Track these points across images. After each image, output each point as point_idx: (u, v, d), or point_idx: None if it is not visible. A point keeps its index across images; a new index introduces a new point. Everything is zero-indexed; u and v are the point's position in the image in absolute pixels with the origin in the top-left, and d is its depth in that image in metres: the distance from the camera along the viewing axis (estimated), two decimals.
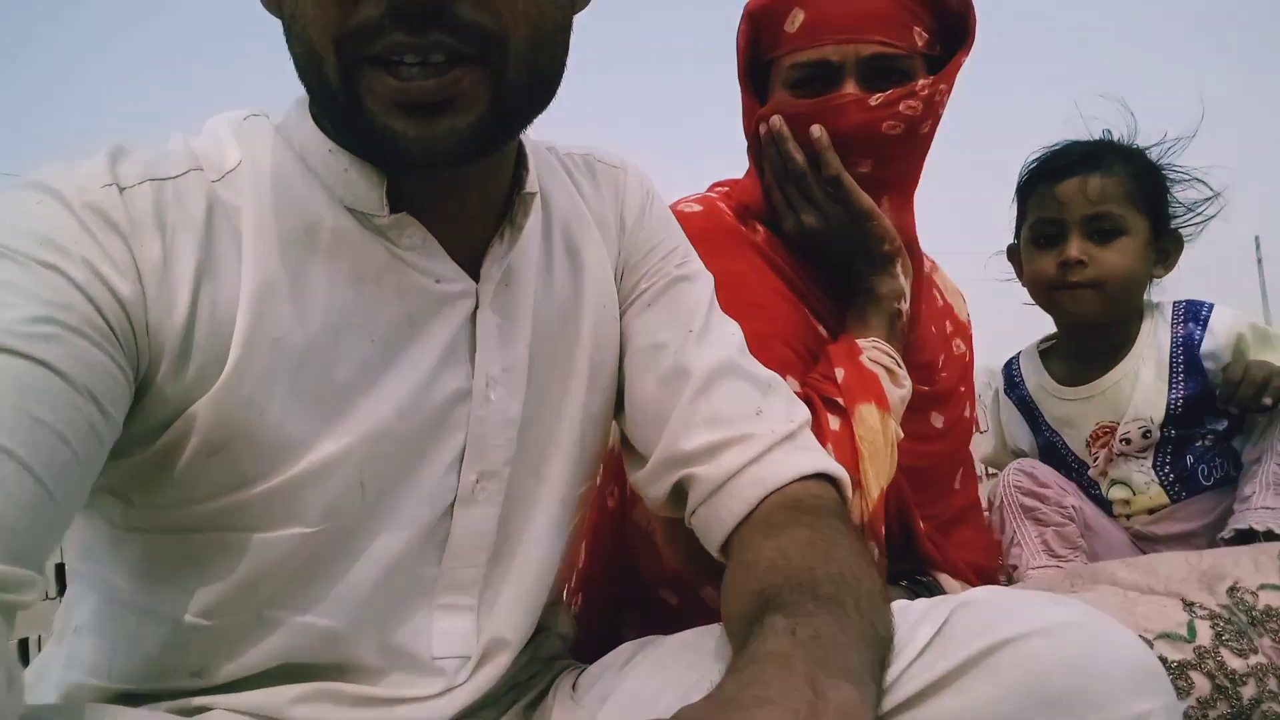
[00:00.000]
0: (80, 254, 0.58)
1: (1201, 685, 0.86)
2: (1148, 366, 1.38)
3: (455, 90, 0.62)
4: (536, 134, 0.77)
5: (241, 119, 0.72)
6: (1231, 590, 0.93)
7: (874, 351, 1.07)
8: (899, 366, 1.08)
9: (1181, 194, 1.41)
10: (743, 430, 0.78)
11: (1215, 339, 1.36)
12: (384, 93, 0.61)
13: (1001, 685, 0.55)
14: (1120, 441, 1.37)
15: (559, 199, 0.83)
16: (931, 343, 1.24)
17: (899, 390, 1.07)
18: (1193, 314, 1.40)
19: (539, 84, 0.67)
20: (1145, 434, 1.36)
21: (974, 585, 1.16)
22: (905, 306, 1.12)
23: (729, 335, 0.86)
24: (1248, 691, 0.86)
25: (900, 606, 0.64)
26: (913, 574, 1.16)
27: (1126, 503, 1.40)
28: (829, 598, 0.60)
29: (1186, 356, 1.38)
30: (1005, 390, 1.56)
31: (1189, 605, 0.93)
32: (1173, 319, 1.41)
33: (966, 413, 1.29)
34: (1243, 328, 1.36)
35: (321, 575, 0.69)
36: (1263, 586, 0.94)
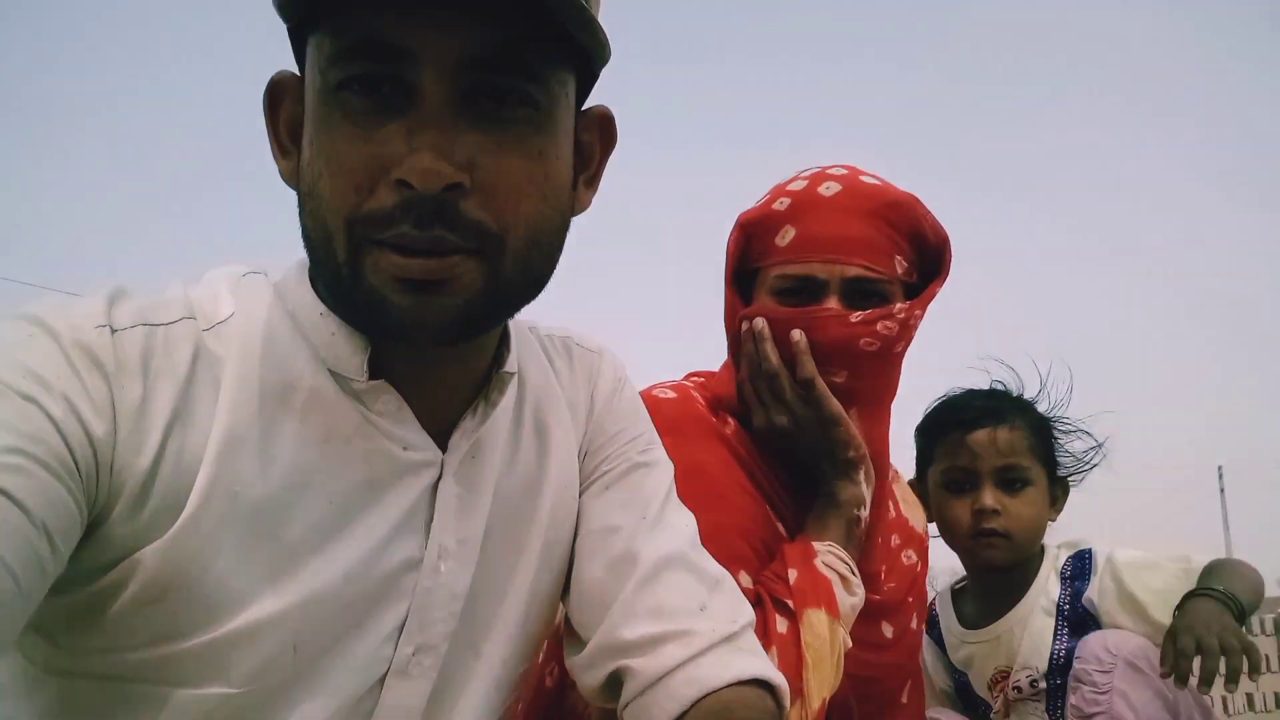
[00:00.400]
0: (61, 390, 0.60)
1: None
2: (1037, 615, 1.43)
3: (452, 274, 0.65)
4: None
5: (241, 274, 0.75)
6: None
7: (829, 556, 1.08)
8: (853, 574, 1.09)
9: (1070, 444, 1.51)
10: (684, 625, 0.78)
11: (1094, 595, 1.40)
12: (387, 268, 0.64)
13: None
14: (1013, 689, 1.41)
15: (534, 378, 0.85)
16: (879, 553, 1.26)
17: (851, 598, 1.08)
18: (1079, 569, 1.45)
19: (531, 279, 0.70)
20: (1033, 683, 1.40)
21: None
22: (865, 514, 1.15)
23: (683, 526, 0.86)
24: None
25: None
26: None
27: None
28: None
29: (1073, 610, 1.41)
30: (927, 629, 1.57)
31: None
32: (1062, 570, 1.46)
33: (914, 624, 1.30)
34: (1118, 570, 1.38)
35: None
36: None
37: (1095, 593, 1.38)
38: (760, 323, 1.15)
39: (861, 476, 1.16)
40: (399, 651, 0.73)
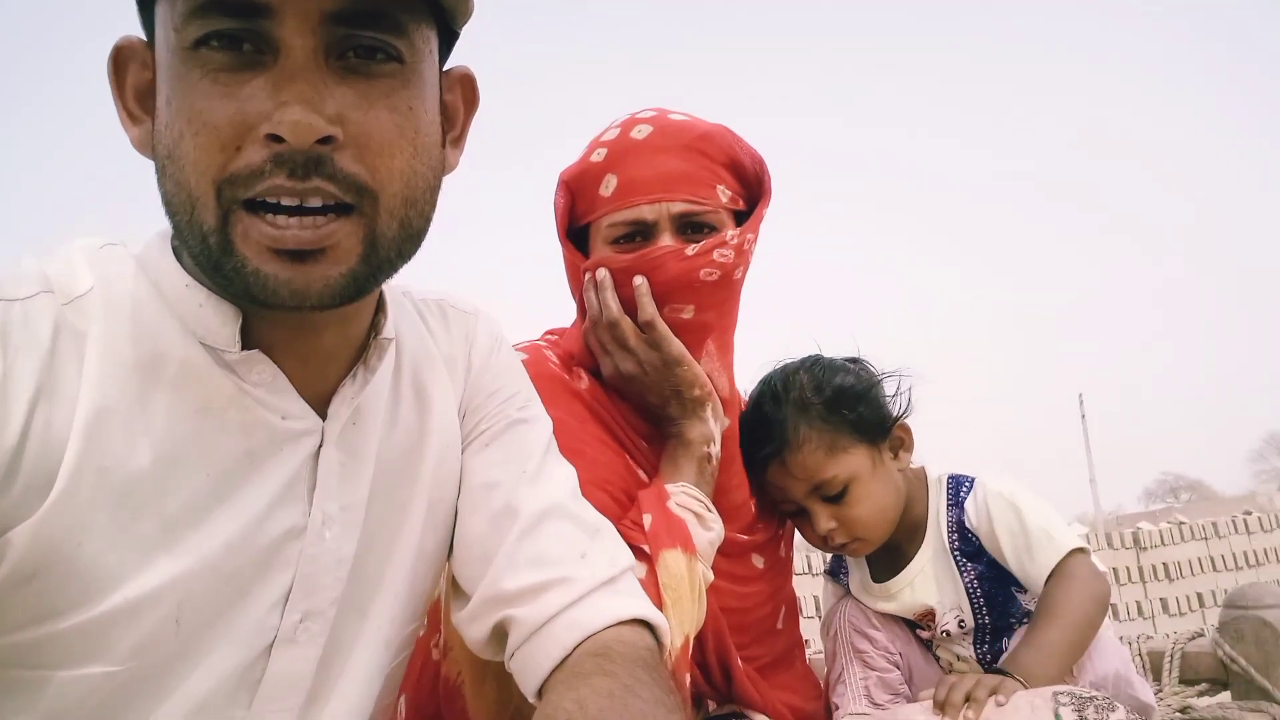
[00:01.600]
0: None
1: None
2: (940, 554, 1.35)
3: (330, 241, 0.65)
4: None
5: (97, 246, 0.72)
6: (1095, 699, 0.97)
7: (682, 496, 1.11)
8: (708, 510, 1.12)
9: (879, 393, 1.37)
10: (565, 573, 0.79)
11: (970, 518, 1.34)
12: (259, 238, 0.63)
13: None
14: (941, 633, 1.35)
15: (410, 341, 0.85)
16: (747, 484, 1.30)
17: (708, 534, 1.10)
18: (954, 495, 1.37)
19: (408, 237, 0.70)
20: (961, 623, 1.34)
21: None
22: (715, 450, 1.18)
23: (562, 479, 0.88)
24: None
25: None
26: (733, 716, 1.18)
27: (951, 665, 1.39)
28: None
29: (963, 541, 1.34)
30: (831, 574, 1.52)
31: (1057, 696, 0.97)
32: (947, 499, 1.38)
33: (782, 552, 1.35)
34: (993, 505, 1.30)
35: (121, 717, 0.66)
36: None
37: (973, 516, 1.33)
38: (602, 273, 1.16)
39: (709, 413, 1.19)
40: (285, 619, 0.72)
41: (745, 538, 1.27)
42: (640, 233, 1.18)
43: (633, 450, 1.20)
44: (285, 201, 0.63)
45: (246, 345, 0.70)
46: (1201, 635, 1.52)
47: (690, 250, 1.15)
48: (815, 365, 1.38)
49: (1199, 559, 7.93)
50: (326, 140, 0.63)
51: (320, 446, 0.75)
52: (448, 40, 0.76)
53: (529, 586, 0.79)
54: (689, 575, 1.05)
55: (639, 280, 1.15)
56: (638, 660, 0.75)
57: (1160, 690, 1.46)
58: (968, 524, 1.34)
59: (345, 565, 0.76)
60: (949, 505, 1.37)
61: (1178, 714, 1.35)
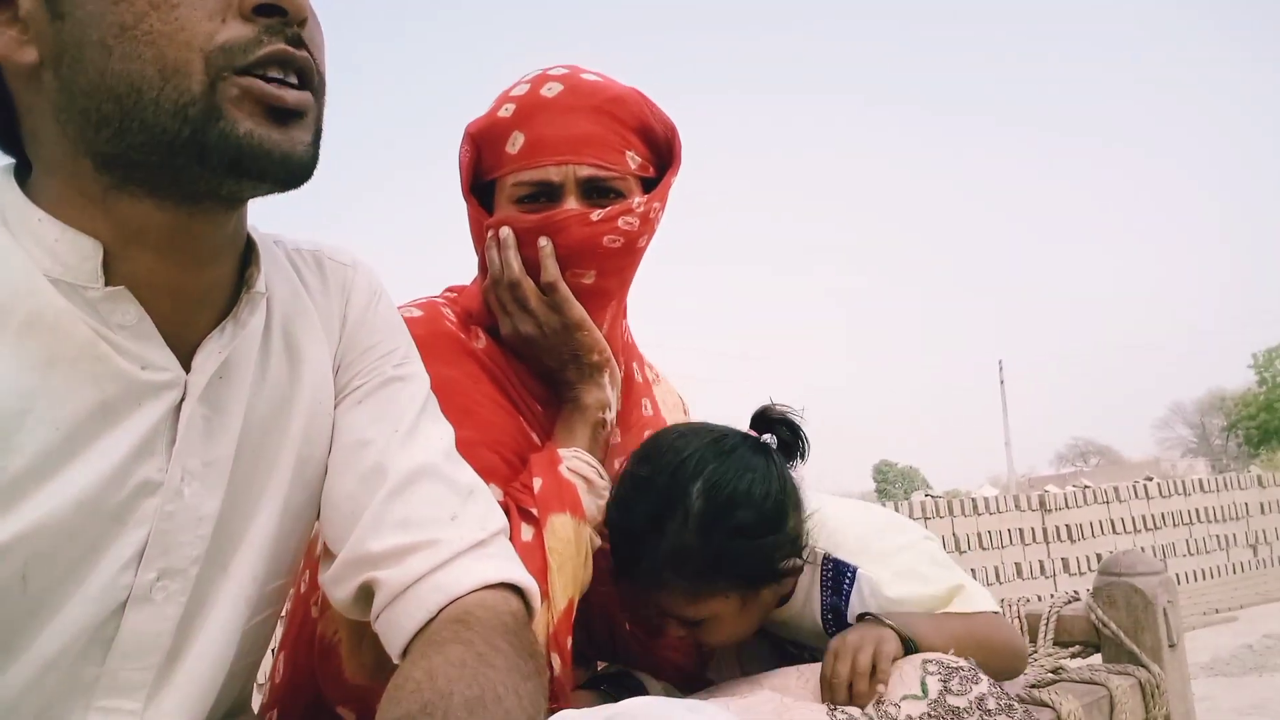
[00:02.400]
0: None
1: None
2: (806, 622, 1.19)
3: (305, 107, 0.67)
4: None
5: None
6: (878, 703, 0.97)
7: (574, 461, 1.10)
8: (600, 476, 1.11)
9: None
10: (433, 535, 0.78)
11: (854, 613, 1.13)
12: (257, 96, 0.64)
13: None
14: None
15: (282, 293, 0.82)
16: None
17: (598, 500, 1.10)
18: (833, 582, 1.17)
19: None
20: None
21: (677, 686, 1.20)
22: (610, 416, 1.17)
23: (436, 438, 0.86)
24: None
25: (557, 718, 0.66)
26: (618, 676, 1.18)
27: None
28: None
29: (839, 624, 1.15)
30: None
31: (833, 710, 0.95)
32: (822, 582, 1.18)
33: None
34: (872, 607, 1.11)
35: None
36: (905, 697, 0.97)
37: (859, 610, 1.12)
38: (506, 232, 1.14)
39: (606, 380, 1.17)
40: (139, 578, 0.70)
41: None
42: (545, 194, 1.15)
43: (527, 413, 1.18)
44: (274, 74, 0.65)
45: (110, 283, 0.67)
46: (1078, 599, 1.58)
47: (595, 216, 1.13)
48: (714, 491, 1.07)
49: (1100, 521, 8.29)
50: (305, 23, 0.67)
51: (182, 400, 0.72)
52: None
53: (394, 548, 0.78)
54: (576, 539, 1.04)
55: (544, 242, 1.13)
56: (498, 626, 0.74)
57: (1035, 651, 1.52)
58: (848, 616, 1.16)
59: (207, 523, 0.74)
60: (825, 590, 1.19)
61: (1050, 674, 1.40)
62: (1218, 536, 8.84)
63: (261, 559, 0.80)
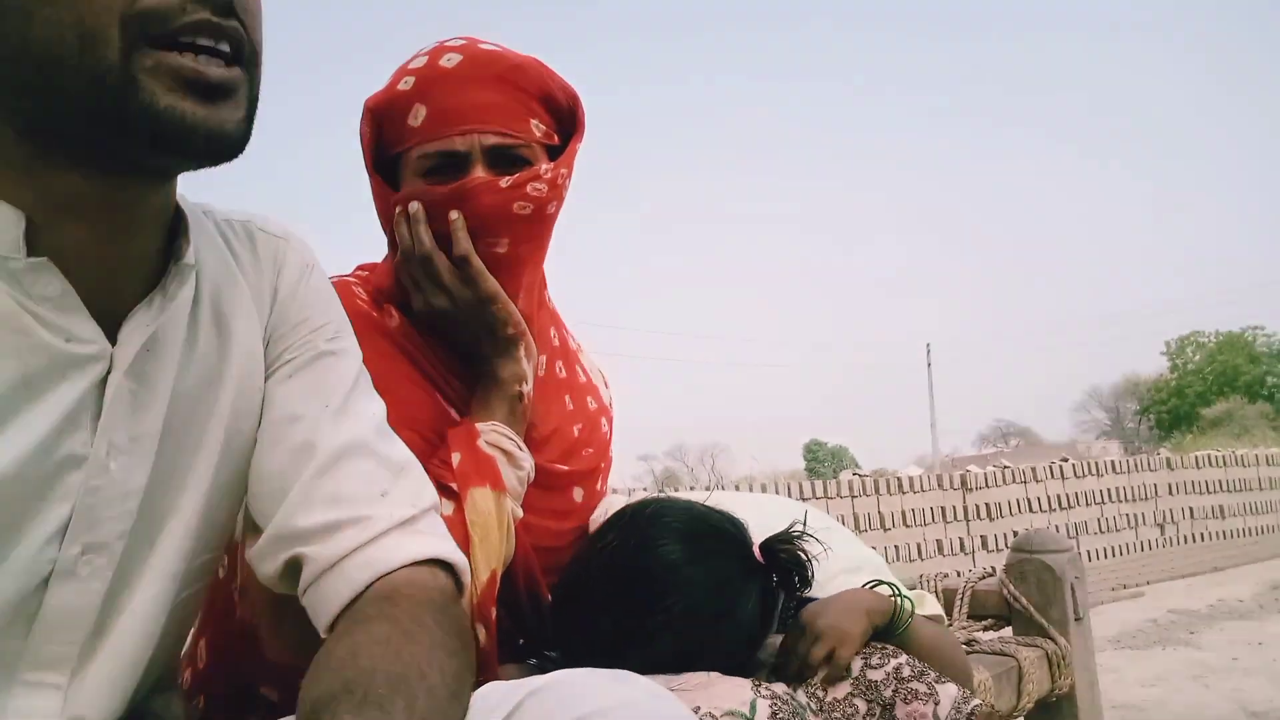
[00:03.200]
0: None
1: None
2: None
3: (235, 83, 0.64)
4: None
5: None
6: (809, 684, 1.01)
7: (492, 435, 1.10)
8: (519, 449, 1.11)
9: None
10: (362, 512, 0.78)
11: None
12: (177, 70, 0.61)
13: None
14: None
15: (212, 265, 0.81)
16: (578, 417, 1.30)
17: (518, 472, 1.10)
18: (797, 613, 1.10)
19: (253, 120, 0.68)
20: None
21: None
22: (527, 389, 1.16)
23: (369, 415, 0.85)
24: None
25: (483, 693, 0.67)
26: (544, 649, 1.18)
27: None
28: (376, 702, 0.61)
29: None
30: None
31: (757, 686, 0.96)
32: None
33: (599, 486, 1.34)
34: None
35: None
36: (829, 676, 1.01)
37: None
38: (415, 206, 1.12)
39: (522, 353, 1.16)
40: (64, 552, 0.69)
41: (565, 468, 1.25)
42: (452, 164, 1.14)
43: (444, 388, 1.18)
44: (202, 42, 0.62)
45: (33, 254, 0.64)
46: (992, 575, 1.64)
47: (504, 183, 1.12)
48: (685, 623, 1.01)
49: (1018, 500, 8.58)
50: None
51: (108, 373, 0.70)
52: None
53: (323, 525, 0.77)
54: (497, 512, 1.04)
55: (455, 215, 1.11)
56: (425, 602, 0.74)
57: (951, 624, 1.58)
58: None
59: (134, 498, 0.73)
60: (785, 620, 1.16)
61: (963, 646, 1.45)
62: (1128, 515, 9.20)
63: (189, 534, 0.79)
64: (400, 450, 0.86)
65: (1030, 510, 8.59)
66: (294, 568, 0.79)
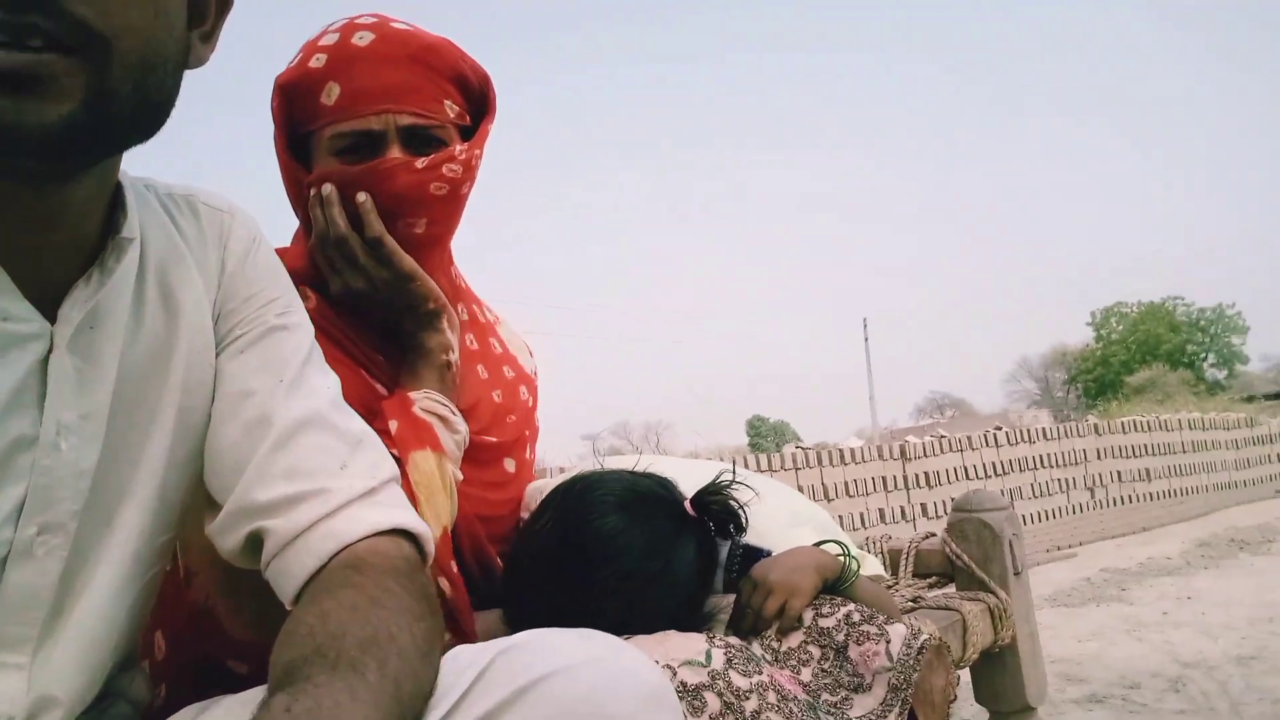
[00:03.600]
0: None
1: (713, 703, 0.91)
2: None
3: (48, 71, 0.58)
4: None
5: None
6: (763, 637, 1.05)
7: (426, 401, 1.11)
8: (453, 414, 1.13)
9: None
10: (321, 484, 0.78)
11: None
12: None
13: (534, 718, 0.61)
14: None
15: (156, 239, 0.79)
16: (494, 385, 1.31)
17: (455, 435, 1.11)
18: (744, 566, 1.18)
19: (144, 104, 0.64)
20: None
21: None
22: (455, 358, 1.18)
23: (323, 388, 0.85)
24: (750, 705, 0.93)
25: (453, 654, 0.69)
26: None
27: None
28: (349, 664, 0.61)
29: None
30: None
31: (712, 638, 0.99)
32: (728, 565, 1.19)
33: (528, 455, 1.35)
34: None
35: None
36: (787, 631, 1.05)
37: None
38: (329, 188, 1.12)
39: (445, 324, 1.18)
40: (19, 533, 0.68)
41: (493, 439, 1.26)
42: (367, 144, 1.14)
43: (368, 365, 1.19)
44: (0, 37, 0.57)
45: None
46: (934, 535, 1.70)
47: (420, 164, 1.13)
48: (626, 580, 1.04)
49: (955, 468, 8.76)
50: None
51: (50, 352, 0.68)
52: None
53: (283, 498, 0.77)
54: (439, 472, 1.07)
55: (362, 197, 1.12)
56: (390, 570, 0.74)
57: (896, 583, 1.63)
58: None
59: (86, 477, 0.72)
60: (730, 571, 1.19)
61: (910, 603, 1.50)
62: (1059, 480, 9.45)
63: (148, 512, 0.78)
64: (357, 423, 0.86)
65: (967, 478, 8.77)
66: (254, 542, 0.79)
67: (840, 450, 8.17)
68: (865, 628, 1.04)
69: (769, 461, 7.78)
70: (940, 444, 8.78)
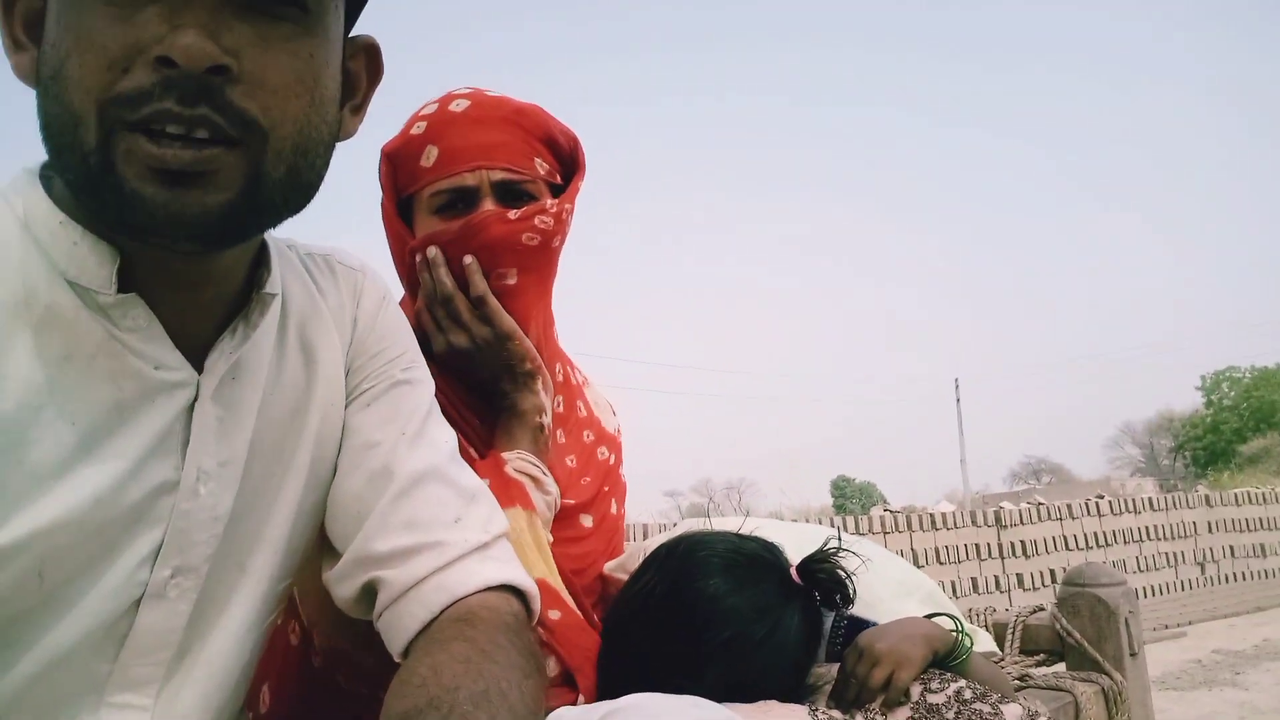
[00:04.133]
0: None
1: None
2: None
3: (211, 166, 0.62)
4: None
5: None
6: (867, 710, 1.01)
7: (519, 462, 1.14)
8: (545, 475, 1.15)
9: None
10: (438, 537, 0.80)
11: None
12: (142, 157, 0.60)
13: None
14: None
15: (297, 295, 0.83)
16: (572, 450, 1.33)
17: (545, 496, 1.13)
18: (848, 638, 1.13)
19: (296, 186, 0.68)
20: None
21: None
22: (547, 420, 1.21)
23: (442, 442, 0.88)
24: None
25: (556, 715, 0.71)
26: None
27: None
28: (461, 717, 0.62)
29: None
30: None
31: (814, 710, 0.98)
32: (831, 637, 1.15)
33: (614, 509, 1.38)
34: None
35: None
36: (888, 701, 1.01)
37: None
38: (434, 251, 1.17)
39: (540, 386, 1.20)
40: (155, 575, 0.70)
41: (571, 501, 1.28)
42: (462, 199, 1.19)
43: (464, 428, 1.20)
44: (171, 129, 0.61)
45: (122, 290, 0.67)
46: (1043, 609, 1.61)
47: (512, 215, 1.17)
48: (728, 648, 1.01)
49: (1054, 538, 8.46)
50: (220, 70, 0.61)
51: (195, 400, 0.72)
52: (354, 5, 0.75)
53: (400, 549, 0.79)
54: (530, 530, 1.08)
55: (469, 259, 1.17)
56: (500, 625, 0.75)
57: (1002, 659, 1.55)
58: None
59: (221, 522, 0.74)
60: (834, 644, 1.16)
61: (1017, 681, 1.43)
62: (1166, 554, 9.04)
63: (278, 557, 0.81)
64: (471, 477, 0.88)
65: (1066, 548, 8.46)
66: (369, 592, 0.81)
67: (931, 514, 7.97)
68: (978, 706, 0.99)
69: (856, 524, 7.62)
70: (1038, 511, 8.50)
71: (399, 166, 1.23)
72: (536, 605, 0.84)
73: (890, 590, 1.24)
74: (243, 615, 0.78)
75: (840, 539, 1.11)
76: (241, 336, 0.74)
